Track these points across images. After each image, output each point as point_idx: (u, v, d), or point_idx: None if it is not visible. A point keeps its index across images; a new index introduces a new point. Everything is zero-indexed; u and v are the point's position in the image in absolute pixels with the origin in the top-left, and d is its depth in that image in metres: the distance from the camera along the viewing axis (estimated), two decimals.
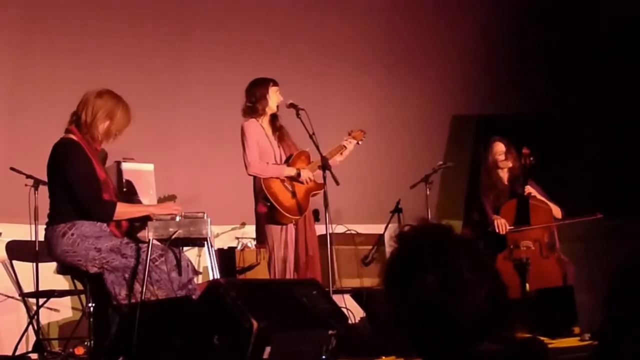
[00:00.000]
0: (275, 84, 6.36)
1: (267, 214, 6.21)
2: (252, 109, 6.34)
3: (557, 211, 6.85)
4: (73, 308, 7.40)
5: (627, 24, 8.33)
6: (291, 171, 6.27)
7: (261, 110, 6.32)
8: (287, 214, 6.19)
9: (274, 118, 6.39)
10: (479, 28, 8.84)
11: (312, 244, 6.30)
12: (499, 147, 6.98)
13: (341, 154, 6.46)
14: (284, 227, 6.22)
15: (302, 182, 6.27)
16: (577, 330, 6.19)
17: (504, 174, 7.01)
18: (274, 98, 6.31)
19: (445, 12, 8.81)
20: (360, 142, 6.61)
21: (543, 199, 6.86)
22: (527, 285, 6.35)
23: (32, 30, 7.38)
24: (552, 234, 6.78)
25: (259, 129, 6.31)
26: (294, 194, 6.25)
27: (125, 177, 7.04)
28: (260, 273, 6.63)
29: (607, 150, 8.47)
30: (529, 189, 6.82)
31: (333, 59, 8.55)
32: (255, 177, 6.31)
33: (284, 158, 6.39)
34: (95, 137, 4.89)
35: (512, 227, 6.69)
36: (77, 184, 4.77)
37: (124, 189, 5.95)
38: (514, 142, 7.01)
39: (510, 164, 6.94)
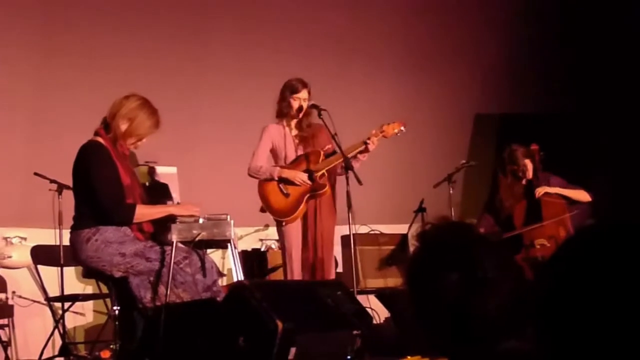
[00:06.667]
0: (300, 89, 6.18)
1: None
2: (278, 110, 6.29)
3: (584, 196, 6.65)
4: (98, 312, 7.43)
5: None
6: (282, 172, 6.11)
7: (285, 112, 6.26)
8: (274, 217, 6.16)
9: (301, 120, 6.24)
10: (501, 26, 8.81)
11: (323, 245, 6.14)
12: (524, 161, 6.68)
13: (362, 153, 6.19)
14: (290, 226, 6.11)
15: (293, 183, 6.11)
16: None
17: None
18: (294, 103, 6.18)
19: (467, 10, 8.78)
20: (399, 133, 6.33)
21: (563, 191, 6.68)
22: None
23: (52, 35, 7.41)
24: (568, 228, 6.52)
25: (275, 132, 6.24)
26: (287, 196, 6.12)
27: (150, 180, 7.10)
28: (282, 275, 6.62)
29: (630, 149, 8.40)
30: (546, 189, 6.59)
31: (354, 59, 8.54)
32: None
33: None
34: (118, 138, 4.88)
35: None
36: (98, 187, 4.75)
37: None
38: (537, 140, 6.85)
39: (531, 172, 6.70)
